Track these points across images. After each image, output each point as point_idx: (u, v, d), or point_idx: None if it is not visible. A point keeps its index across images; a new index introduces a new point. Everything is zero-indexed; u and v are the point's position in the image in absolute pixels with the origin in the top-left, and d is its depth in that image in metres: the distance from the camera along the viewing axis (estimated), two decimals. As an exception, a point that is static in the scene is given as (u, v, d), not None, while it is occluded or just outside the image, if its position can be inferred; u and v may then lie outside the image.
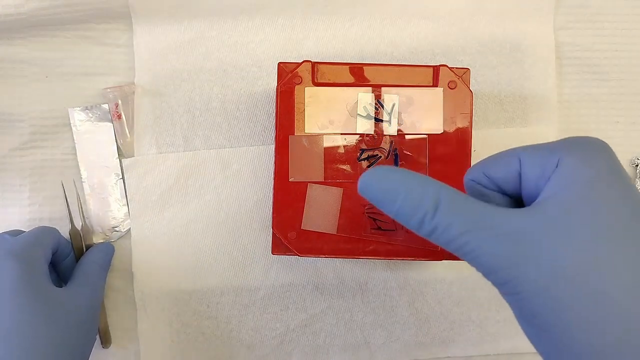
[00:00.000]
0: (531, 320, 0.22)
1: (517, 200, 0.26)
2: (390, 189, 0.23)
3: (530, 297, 0.21)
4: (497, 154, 0.26)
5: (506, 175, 0.25)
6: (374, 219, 0.36)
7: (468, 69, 0.37)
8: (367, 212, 0.36)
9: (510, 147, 0.26)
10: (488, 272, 0.22)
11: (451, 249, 0.23)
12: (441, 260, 0.36)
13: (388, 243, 0.36)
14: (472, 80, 0.38)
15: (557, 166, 0.23)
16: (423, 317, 0.43)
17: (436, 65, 0.37)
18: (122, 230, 0.42)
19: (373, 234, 0.36)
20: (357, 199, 0.36)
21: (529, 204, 0.23)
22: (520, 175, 0.24)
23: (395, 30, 0.42)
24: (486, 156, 0.26)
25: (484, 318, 0.43)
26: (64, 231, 0.41)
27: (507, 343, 0.43)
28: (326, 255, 0.36)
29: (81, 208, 0.41)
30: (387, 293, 0.43)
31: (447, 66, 0.36)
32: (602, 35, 0.44)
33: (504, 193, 0.26)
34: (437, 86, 0.37)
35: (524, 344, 0.43)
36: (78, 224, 0.41)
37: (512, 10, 0.43)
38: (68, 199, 0.41)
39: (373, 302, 0.43)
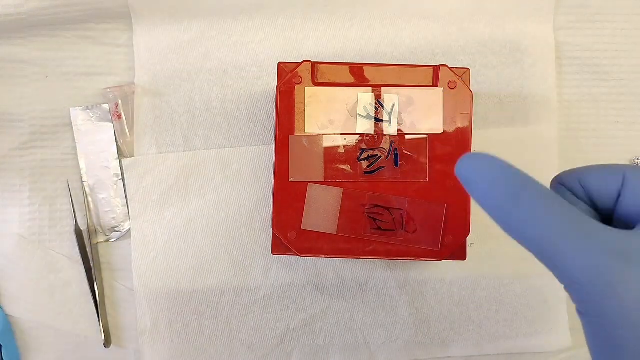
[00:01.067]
0: (605, 344, 0.20)
1: (604, 219, 0.25)
2: (482, 175, 0.22)
3: (615, 321, 0.19)
4: (598, 165, 0.25)
5: (605, 189, 0.23)
6: (374, 219, 0.36)
7: (468, 69, 0.37)
8: (367, 212, 0.36)
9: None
10: (570, 284, 0.20)
11: (532, 247, 0.21)
12: (441, 260, 0.36)
13: (388, 243, 0.36)
14: (472, 80, 0.38)
15: None
16: (423, 317, 0.43)
17: (436, 65, 0.37)
18: (122, 230, 0.42)
19: (373, 234, 0.36)
20: (357, 199, 0.36)
21: (621, 225, 0.22)
22: (619, 193, 0.23)
23: (395, 30, 0.42)
24: None
25: (483, 318, 0.43)
26: (66, 231, 0.42)
27: (507, 343, 0.43)
28: (326, 255, 0.36)
29: (87, 207, 0.42)
30: (387, 293, 0.43)
31: (447, 66, 0.36)
32: (602, 35, 0.44)
33: (593, 207, 0.24)
34: (437, 86, 0.37)
35: (523, 344, 0.43)
36: (81, 224, 0.41)
37: (512, 10, 0.43)
38: (72, 198, 0.41)
39: (373, 302, 0.43)
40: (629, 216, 0.23)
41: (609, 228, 0.21)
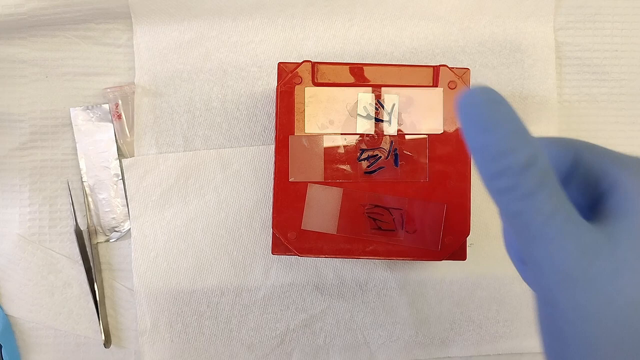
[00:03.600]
0: (552, 324, 0.20)
1: None
2: (494, 117, 0.18)
3: (568, 311, 0.19)
4: (548, 137, 0.22)
5: (556, 168, 0.21)
6: (374, 219, 0.36)
7: (468, 69, 0.37)
8: (367, 212, 0.36)
9: None
10: (539, 267, 0.19)
11: (510, 215, 0.19)
12: (441, 260, 0.36)
13: (388, 243, 0.36)
14: (472, 81, 0.38)
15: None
16: (423, 317, 0.43)
17: (436, 65, 0.37)
18: (122, 231, 0.42)
19: (373, 234, 0.36)
20: (357, 199, 0.36)
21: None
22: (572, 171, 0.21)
23: (395, 30, 0.42)
24: None
25: (484, 318, 0.43)
26: (66, 231, 0.42)
27: (507, 343, 0.43)
28: (326, 256, 0.36)
29: (87, 208, 0.42)
30: (387, 293, 0.43)
31: (447, 66, 0.36)
32: (602, 35, 0.44)
33: None
34: (437, 86, 0.37)
35: (523, 344, 0.43)
36: (81, 224, 0.41)
37: (512, 11, 0.43)
38: (72, 199, 0.41)
39: (373, 302, 0.43)
40: (576, 201, 0.21)
41: (584, 222, 0.19)
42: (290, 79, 0.37)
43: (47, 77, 0.42)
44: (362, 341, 0.43)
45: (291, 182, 0.36)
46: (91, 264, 0.42)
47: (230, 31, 0.42)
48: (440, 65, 0.36)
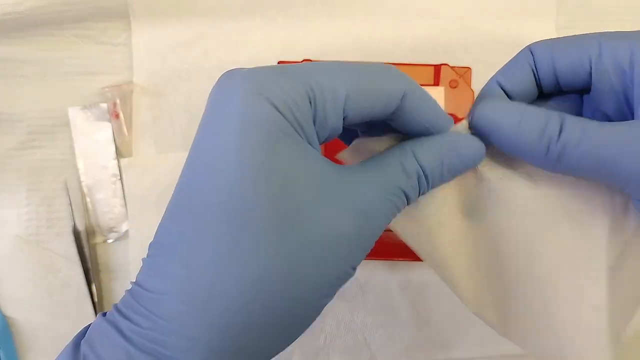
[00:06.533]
0: None
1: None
2: (508, 117, 0.22)
3: None
4: (567, 36, 0.24)
5: (577, 62, 0.23)
6: (375, 219, 0.36)
7: (469, 68, 0.37)
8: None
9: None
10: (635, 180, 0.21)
11: (583, 168, 0.22)
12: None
13: (389, 244, 0.36)
14: (473, 79, 0.37)
15: None
16: (424, 319, 0.42)
17: (437, 64, 0.36)
18: (120, 231, 0.42)
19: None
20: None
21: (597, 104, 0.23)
22: (591, 69, 0.23)
23: (396, 29, 0.42)
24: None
25: (485, 319, 0.43)
26: (64, 231, 0.41)
27: (509, 344, 0.42)
28: (326, 256, 0.36)
29: (85, 208, 0.41)
30: (388, 294, 0.42)
31: (448, 65, 0.36)
32: (604, 34, 0.43)
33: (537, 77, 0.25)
34: (438, 85, 0.36)
35: (526, 346, 0.43)
36: (80, 224, 0.41)
37: (514, 9, 0.42)
38: (70, 199, 0.41)
39: (373, 303, 0.42)
40: (603, 90, 0.23)
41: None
42: (290, 78, 0.36)
43: (45, 76, 0.42)
44: (362, 342, 0.43)
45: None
46: (89, 265, 0.41)
47: (230, 30, 0.42)
48: (441, 64, 0.36)
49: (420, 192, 0.23)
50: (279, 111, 0.19)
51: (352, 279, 0.44)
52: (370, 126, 0.25)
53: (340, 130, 0.22)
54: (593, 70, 0.23)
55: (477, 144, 0.23)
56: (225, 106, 0.19)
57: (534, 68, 0.24)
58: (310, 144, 0.20)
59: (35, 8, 0.39)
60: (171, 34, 0.42)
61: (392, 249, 0.36)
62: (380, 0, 0.42)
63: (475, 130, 0.23)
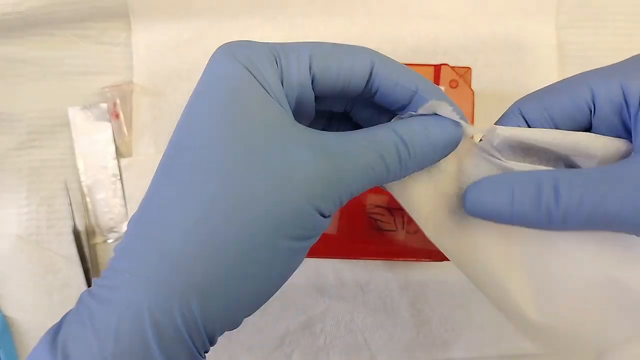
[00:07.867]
0: None
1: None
2: (498, 196, 0.22)
3: None
4: (553, 85, 0.24)
5: (574, 111, 0.23)
6: (375, 220, 0.36)
7: (469, 68, 0.37)
8: (368, 213, 0.36)
9: None
10: None
11: (594, 223, 0.21)
12: (442, 261, 0.36)
13: (389, 244, 0.36)
14: (473, 79, 0.37)
15: None
16: (424, 319, 0.42)
17: (437, 64, 0.36)
18: (120, 231, 0.42)
19: (374, 235, 0.36)
20: (358, 199, 0.36)
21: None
22: (591, 110, 0.22)
23: (396, 29, 0.42)
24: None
25: (485, 319, 0.43)
26: (64, 231, 0.41)
27: (509, 345, 0.43)
28: (326, 256, 0.36)
29: (85, 208, 0.41)
30: (388, 294, 0.42)
31: (448, 65, 0.36)
32: (605, 34, 0.43)
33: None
34: (438, 85, 0.36)
35: (525, 345, 0.43)
36: (80, 224, 0.41)
37: (514, 9, 0.42)
38: (70, 199, 0.41)
39: (373, 303, 0.42)
40: (606, 131, 0.23)
41: (629, 162, 0.21)
42: (290, 78, 0.36)
43: (45, 76, 0.42)
44: (362, 342, 0.42)
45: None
46: (89, 264, 0.41)
47: (230, 30, 0.42)
48: (441, 64, 0.36)
49: (401, 160, 0.22)
50: (246, 68, 0.21)
51: (352, 279, 0.44)
52: (356, 110, 0.26)
53: (312, 95, 0.22)
54: (594, 118, 0.23)
55: (451, 127, 0.24)
56: (205, 70, 0.22)
57: (526, 126, 0.24)
58: (279, 103, 0.21)
59: (35, 8, 0.39)
60: (171, 34, 0.42)
61: (392, 249, 0.36)
62: (380, 0, 0.42)
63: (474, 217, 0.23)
